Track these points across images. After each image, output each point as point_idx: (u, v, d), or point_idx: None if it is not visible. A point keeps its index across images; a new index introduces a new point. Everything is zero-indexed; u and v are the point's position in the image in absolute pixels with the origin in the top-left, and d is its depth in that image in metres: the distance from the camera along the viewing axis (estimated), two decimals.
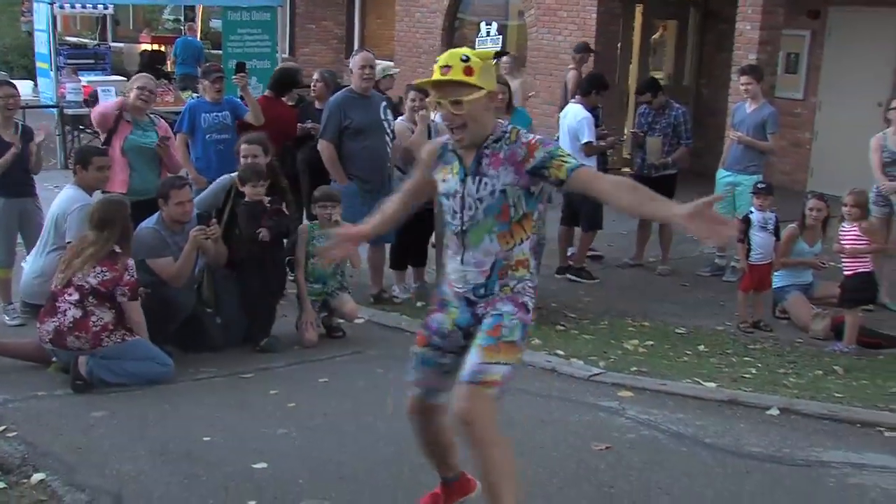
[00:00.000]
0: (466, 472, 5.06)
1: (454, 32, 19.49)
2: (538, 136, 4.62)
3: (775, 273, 9.51)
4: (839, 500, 5.62)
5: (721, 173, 11.06)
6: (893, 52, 14.75)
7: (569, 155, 4.52)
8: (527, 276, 4.66)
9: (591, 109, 10.99)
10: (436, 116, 10.55)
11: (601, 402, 7.04)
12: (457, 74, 4.43)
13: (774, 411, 6.83)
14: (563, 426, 6.61)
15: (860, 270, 8.88)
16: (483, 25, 18.94)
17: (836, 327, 8.97)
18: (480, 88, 4.44)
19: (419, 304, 9.38)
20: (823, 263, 9.68)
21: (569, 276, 10.92)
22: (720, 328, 9.33)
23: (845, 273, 8.94)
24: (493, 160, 4.52)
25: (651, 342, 8.67)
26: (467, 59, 4.45)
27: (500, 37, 18.58)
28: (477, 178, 4.55)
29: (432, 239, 9.81)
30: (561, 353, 8.10)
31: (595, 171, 5.13)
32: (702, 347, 8.59)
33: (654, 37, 18.30)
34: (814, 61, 15.73)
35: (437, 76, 4.49)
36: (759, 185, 9.96)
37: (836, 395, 7.32)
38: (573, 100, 11.41)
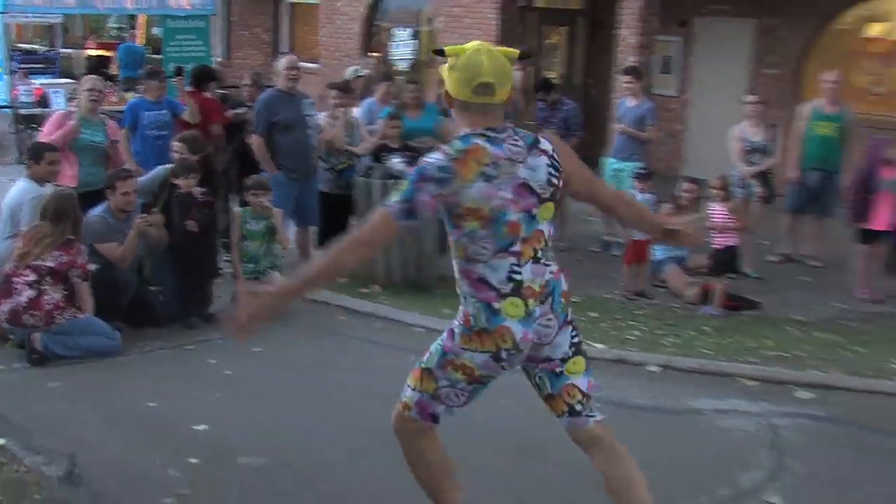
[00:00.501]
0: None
1: (371, 38, 19.40)
2: None
3: (654, 247, 9.60)
4: (708, 441, 5.75)
5: (608, 161, 11.16)
6: (748, 56, 15.12)
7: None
8: (461, 296, 3.90)
9: None
10: (356, 112, 10.56)
11: None
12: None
13: (655, 368, 6.95)
14: None
15: (727, 244, 9.00)
16: (397, 31, 19.03)
17: (706, 293, 9.08)
18: None
19: (342, 280, 9.36)
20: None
21: None
22: (609, 296, 9.38)
23: (714, 246, 9.04)
24: None
25: None
26: None
27: (415, 42, 18.70)
28: None
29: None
30: None
31: None
32: (593, 314, 8.62)
33: (547, 41, 18.35)
34: (685, 63, 15.95)
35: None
36: (639, 171, 10.08)
37: (707, 351, 7.45)
38: None
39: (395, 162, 9.42)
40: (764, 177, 10.53)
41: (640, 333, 7.97)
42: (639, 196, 9.54)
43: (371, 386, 6.47)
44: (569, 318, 3.89)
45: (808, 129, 10.61)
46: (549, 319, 3.79)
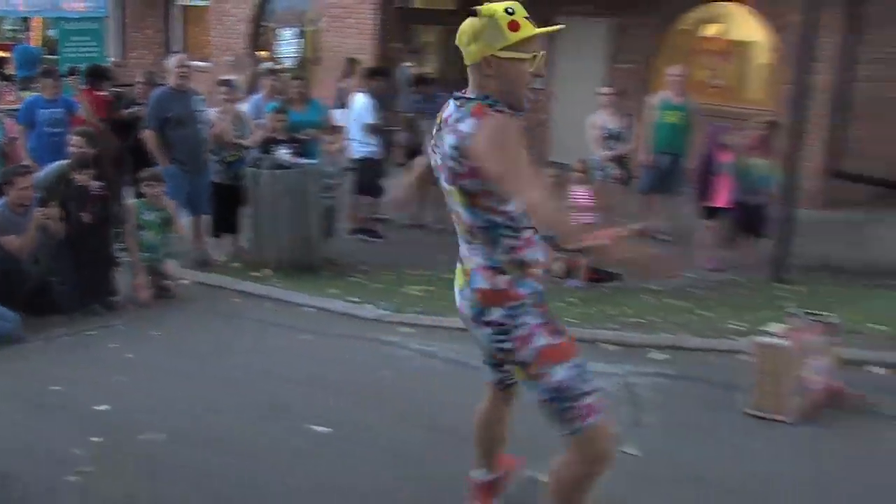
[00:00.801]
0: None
1: (259, 37, 19.17)
2: None
3: None
4: None
5: None
6: (604, 53, 15.43)
7: None
8: None
9: (376, 97, 11.05)
10: (245, 107, 10.46)
11: (388, 338, 7.07)
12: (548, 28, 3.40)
13: None
14: (358, 358, 6.65)
15: (588, 222, 9.12)
16: (283, 31, 18.85)
17: (571, 268, 9.21)
18: None
19: (235, 264, 9.31)
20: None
21: (360, 236, 10.94)
22: None
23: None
24: None
25: (430, 287, 8.72)
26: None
27: (300, 40, 18.54)
28: None
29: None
30: (355, 299, 8.11)
31: None
32: None
33: (424, 40, 18.36)
34: (549, 59, 16.05)
35: (547, 28, 3.37)
36: None
37: (572, 320, 7.50)
38: (359, 90, 11.40)
39: (282, 153, 9.37)
40: (620, 160, 10.76)
41: None
42: None
43: (266, 365, 6.46)
44: (486, 319, 3.43)
45: (657, 118, 10.86)
46: (464, 304, 3.53)
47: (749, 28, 14.12)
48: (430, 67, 17.22)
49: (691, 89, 11.63)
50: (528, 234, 3.41)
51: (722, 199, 9.60)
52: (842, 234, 11.16)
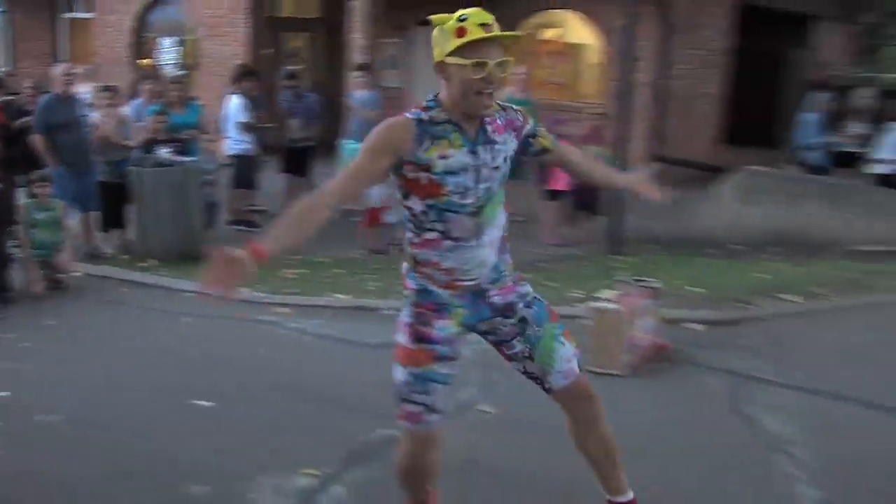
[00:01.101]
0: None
1: (141, 46, 18.71)
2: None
3: (386, 212, 9.73)
4: None
5: (346, 142, 11.20)
6: None
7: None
8: (506, 245, 3.39)
9: (248, 97, 10.92)
10: (127, 110, 10.23)
11: (265, 318, 7.04)
12: (504, 32, 3.08)
13: (389, 311, 7.00)
14: (237, 338, 6.60)
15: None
16: (163, 40, 18.43)
17: None
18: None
19: (123, 257, 9.13)
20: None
21: (238, 226, 10.81)
22: (353, 256, 9.48)
23: None
24: (495, 127, 3.20)
25: (304, 270, 8.68)
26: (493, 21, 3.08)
27: (179, 48, 18.15)
28: (488, 146, 3.17)
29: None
30: None
31: (567, 145, 3.75)
32: (339, 270, 8.71)
33: (292, 45, 18.22)
34: (407, 61, 16.17)
35: (490, 33, 3.02)
36: None
37: None
38: (232, 92, 11.25)
39: (163, 152, 9.22)
40: None
41: (378, 284, 8.10)
42: None
43: (153, 347, 6.37)
44: None
45: None
46: None
47: (581, 32, 14.48)
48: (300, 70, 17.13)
49: (533, 86, 11.87)
50: (431, 235, 3.19)
51: (561, 182, 9.80)
52: (666, 211, 11.48)
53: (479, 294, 3.27)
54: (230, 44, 16.54)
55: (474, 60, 3.01)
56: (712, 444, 4.72)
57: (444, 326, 3.25)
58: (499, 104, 3.24)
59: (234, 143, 10.82)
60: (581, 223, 10.29)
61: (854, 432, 4.90)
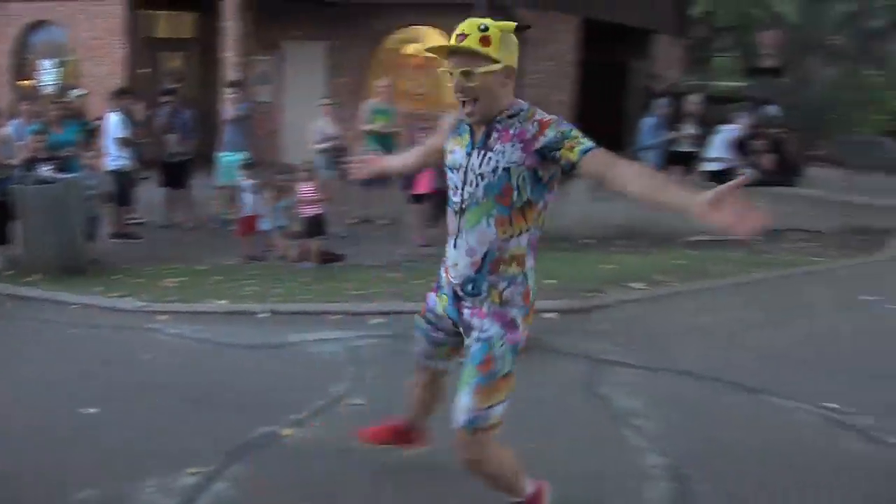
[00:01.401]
0: (427, 432, 4.01)
1: (23, 69, 18.02)
2: (554, 116, 3.11)
3: (261, 219, 9.61)
4: (305, 365, 5.79)
5: (221, 155, 11.04)
6: (324, 69, 15.54)
7: (584, 136, 3.02)
8: (519, 276, 3.15)
9: (126, 114, 10.64)
10: (8, 130, 9.81)
11: (148, 325, 6.85)
12: (472, 43, 2.96)
13: (264, 314, 6.95)
14: (121, 345, 6.41)
15: (315, 213, 9.16)
16: (44, 62, 17.77)
17: (305, 252, 9.22)
18: (496, 61, 3.01)
19: (8, 272, 8.73)
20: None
21: (120, 239, 10.50)
22: (231, 263, 9.31)
23: (304, 216, 9.18)
24: (503, 135, 3.06)
25: (184, 279, 8.48)
26: (486, 29, 2.98)
27: (61, 69, 17.53)
28: (482, 152, 3.08)
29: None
30: (117, 294, 7.78)
31: (612, 155, 2.99)
32: (217, 277, 8.53)
33: (169, 65, 17.83)
34: (280, 76, 16.00)
35: (452, 42, 3.02)
36: (245, 161, 10.03)
37: (305, 297, 7.55)
38: (111, 109, 10.93)
39: (44, 170, 8.91)
40: (338, 158, 10.84)
41: (254, 289, 7.97)
42: (246, 183, 9.54)
43: (40, 358, 6.12)
44: None
45: (370, 122, 11.02)
46: None
47: None
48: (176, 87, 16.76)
49: (397, 97, 11.90)
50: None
51: (424, 186, 9.86)
52: None
53: (456, 296, 3.28)
54: (109, 64, 16.15)
55: (445, 69, 3.06)
56: (570, 423, 4.84)
57: (435, 300, 3.45)
58: (518, 113, 3.10)
59: (113, 158, 10.52)
60: (444, 224, 10.34)
61: (694, 404, 5.10)
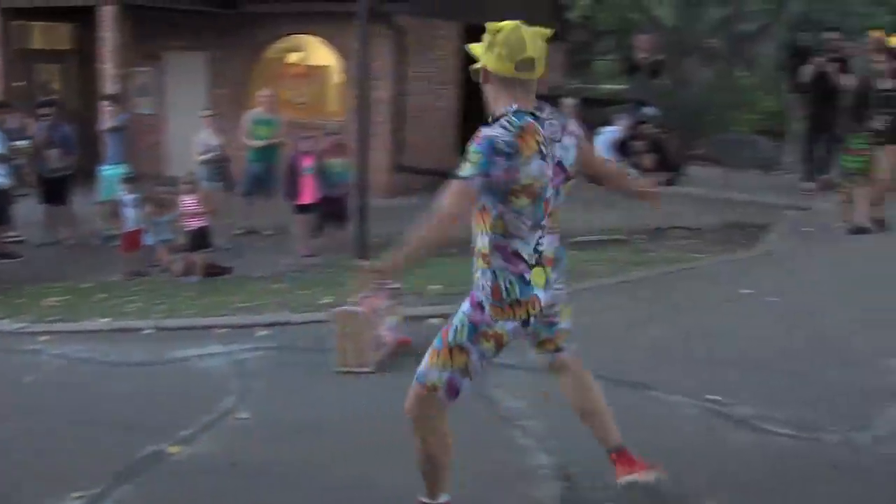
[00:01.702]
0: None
1: None
2: (484, 132, 3.14)
3: (145, 234, 9.47)
4: (193, 380, 5.74)
5: (103, 168, 10.87)
6: (205, 80, 15.31)
7: (467, 162, 3.10)
8: (487, 271, 3.22)
9: (2, 129, 10.41)
10: None
11: (29, 347, 6.69)
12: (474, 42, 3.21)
13: (150, 330, 6.86)
14: (2, 369, 6.25)
15: (199, 225, 9.07)
16: None
17: (190, 266, 9.12)
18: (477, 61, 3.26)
19: None
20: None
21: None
22: (114, 279, 9.16)
23: (187, 229, 9.08)
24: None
25: (65, 297, 8.30)
26: (493, 29, 3.24)
27: None
28: None
29: None
30: None
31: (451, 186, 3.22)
32: (101, 295, 8.39)
33: (45, 77, 17.31)
34: (159, 88, 15.74)
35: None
36: (127, 175, 9.88)
37: (191, 311, 7.48)
38: None
39: None
40: (221, 170, 10.77)
41: (138, 305, 7.86)
42: (127, 197, 9.39)
43: None
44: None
45: (252, 132, 10.97)
46: (559, 282, 3.41)
47: (322, 55, 14.57)
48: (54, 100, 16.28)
49: (280, 107, 11.87)
50: None
51: (308, 196, 9.87)
52: (407, 216, 11.73)
53: None
54: None
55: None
56: (458, 426, 4.89)
57: None
58: (502, 119, 3.15)
59: None
60: (329, 233, 10.36)
61: None
